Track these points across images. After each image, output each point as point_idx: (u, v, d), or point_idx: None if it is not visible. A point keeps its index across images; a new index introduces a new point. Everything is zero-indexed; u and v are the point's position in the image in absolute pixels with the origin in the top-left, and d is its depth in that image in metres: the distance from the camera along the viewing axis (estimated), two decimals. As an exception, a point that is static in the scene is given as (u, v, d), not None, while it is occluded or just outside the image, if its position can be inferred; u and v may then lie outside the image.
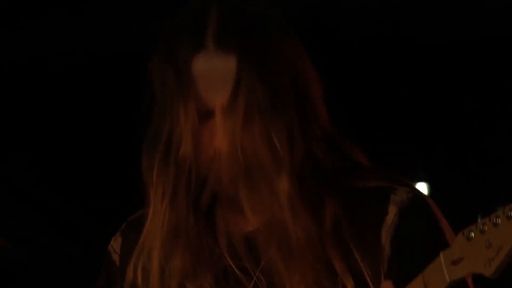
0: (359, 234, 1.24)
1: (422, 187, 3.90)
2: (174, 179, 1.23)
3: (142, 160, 1.28)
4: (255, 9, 1.29)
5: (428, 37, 3.10)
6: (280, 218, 1.21)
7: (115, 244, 1.42)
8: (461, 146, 3.53)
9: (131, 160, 1.31)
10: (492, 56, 3.17)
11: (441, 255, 1.06)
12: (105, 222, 1.54)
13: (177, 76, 1.23)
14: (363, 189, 1.29)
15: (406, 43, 3.07)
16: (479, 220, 1.07)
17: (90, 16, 2.96)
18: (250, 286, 1.22)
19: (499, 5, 2.90)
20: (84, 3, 2.96)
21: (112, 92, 3.13)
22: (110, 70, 3.01)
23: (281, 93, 1.22)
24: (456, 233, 1.10)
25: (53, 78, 3.12)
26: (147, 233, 1.27)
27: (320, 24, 2.20)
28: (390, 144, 3.21)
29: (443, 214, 1.32)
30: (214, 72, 1.23)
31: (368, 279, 1.21)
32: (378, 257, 1.23)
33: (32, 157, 3.36)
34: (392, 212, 1.26)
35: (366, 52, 2.89)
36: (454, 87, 3.33)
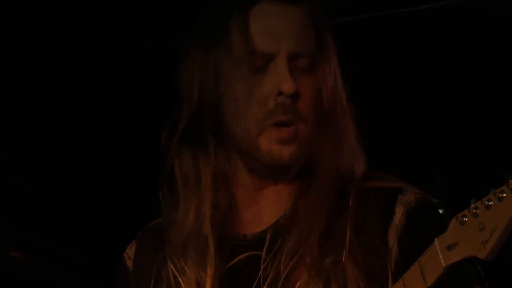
0: (366, 234, 1.25)
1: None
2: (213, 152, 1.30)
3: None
4: None
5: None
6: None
7: (130, 251, 1.44)
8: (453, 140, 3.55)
9: (145, 179, 1.33)
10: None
11: (436, 241, 1.06)
12: (120, 234, 1.58)
13: (233, 29, 1.27)
14: (372, 189, 1.30)
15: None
16: (472, 204, 1.07)
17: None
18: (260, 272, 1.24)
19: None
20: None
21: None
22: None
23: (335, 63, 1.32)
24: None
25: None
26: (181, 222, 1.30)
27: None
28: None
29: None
30: (277, 19, 1.29)
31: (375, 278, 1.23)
32: (385, 256, 1.24)
33: (51, 171, 3.45)
34: (399, 212, 1.27)
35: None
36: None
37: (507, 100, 3.29)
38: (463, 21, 2.95)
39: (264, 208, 1.33)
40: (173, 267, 1.28)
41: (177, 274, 1.27)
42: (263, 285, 1.23)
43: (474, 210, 1.04)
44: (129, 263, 1.43)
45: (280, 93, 1.24)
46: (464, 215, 1.06)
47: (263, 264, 1.25)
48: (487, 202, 1.02)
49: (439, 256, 1.04)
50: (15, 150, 3.32)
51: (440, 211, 1.42)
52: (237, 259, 1.27)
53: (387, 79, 3.21)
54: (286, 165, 1.29)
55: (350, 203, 1.28)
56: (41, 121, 3.27)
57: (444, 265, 1.04)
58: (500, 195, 1.00)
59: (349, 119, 1.32)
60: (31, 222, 3.63)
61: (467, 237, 1.04)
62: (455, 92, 3.40)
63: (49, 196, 3.50)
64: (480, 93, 3.36)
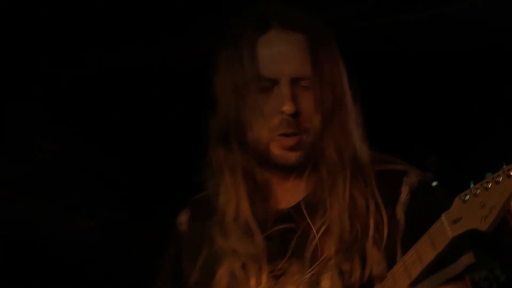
0: (379, 209, 1.47)
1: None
2: (238, 156, 1.52)
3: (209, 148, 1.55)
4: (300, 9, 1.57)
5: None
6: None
7: (182, 218, 1.67)
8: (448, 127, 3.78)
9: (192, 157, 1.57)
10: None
11: (443, 216, 1.28)
12: (172, 205, 1.83)
13: (248, 54, 1.49)
14: (381, 171, 1.52)
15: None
16: (471, 186, 1.29)
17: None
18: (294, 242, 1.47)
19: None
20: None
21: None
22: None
23: (338, 76, 1.52)
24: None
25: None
26: (222, 207, 1.53)
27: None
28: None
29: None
30: (280, 48, 1.50)
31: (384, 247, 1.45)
32: (394, 227, 1.46)
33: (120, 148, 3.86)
34: (404, 191, 1.49)
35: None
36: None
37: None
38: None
39: (288, 191, 1.56)
40: (219, 238, 1.51)
41: (223, 244, 1.50)
42: (295, 253, 1.45)
43: (474, 191, 1.25)
44: (181, 229, 1.66)
45: (282, 112, 1.47)
46: (466, 195, 1.27)
47: (296, 235, 1.47)
48: (486, 185, 1.23)
49: (447, 229, 1.26)
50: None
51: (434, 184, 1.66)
52: (273, 229, 1.49)
53: (383, 69, 3.47)
54: (294, 166, 1.51)
55: (365, 184, 1.50)
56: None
57: (450, 236, 1.25)
58: (497, 179, 1.21)
59: (353, 113, 1.53)
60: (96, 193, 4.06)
61: (469, 213, 1.25)
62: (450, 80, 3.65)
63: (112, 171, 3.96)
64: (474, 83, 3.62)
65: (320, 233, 1.46)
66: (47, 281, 4.21)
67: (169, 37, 3.00)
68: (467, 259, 1.39)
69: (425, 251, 1.28)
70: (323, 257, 1.44)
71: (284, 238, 1.51)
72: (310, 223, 1.48)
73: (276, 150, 1.50)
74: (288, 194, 1.56)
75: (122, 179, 4.05)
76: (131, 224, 4.16)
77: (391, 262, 1.43)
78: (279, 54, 1.49)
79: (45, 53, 3.37)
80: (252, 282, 1.49)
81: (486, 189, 1.24)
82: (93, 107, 3.76)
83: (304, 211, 1.50)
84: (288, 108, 1.46)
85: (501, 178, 1.22)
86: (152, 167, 3.82)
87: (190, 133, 1.67)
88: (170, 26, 3.12)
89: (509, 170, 1.22)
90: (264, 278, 1.49)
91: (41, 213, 4.10)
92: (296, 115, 1.48)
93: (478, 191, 1.25)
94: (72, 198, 4.07)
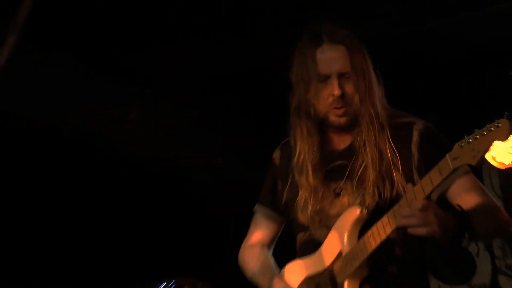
0: (399, 148, 2.25)
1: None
2: (307, 121, 2.35)
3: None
4: (340, 27, 2.35)
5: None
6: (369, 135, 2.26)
7: (276, 155, 2.57)
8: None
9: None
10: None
11: (447, 155, 1.97)
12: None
13: (311, 58, 2.29)
14: (398, 123, 2.31)
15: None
16: (465, 138, 1.97)
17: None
18: (346, 174, 2.28)
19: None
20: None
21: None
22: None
23: (365, 73, 2.29)
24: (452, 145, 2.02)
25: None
26: (299, 152, 2.37)
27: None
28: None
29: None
30: (333, 55, 2.29)
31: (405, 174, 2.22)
32: (410, 159, 2.24)
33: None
34: (415, 135, 2.27)
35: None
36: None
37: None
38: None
39: (341, 141, 2.38)
40: (295, 173, 2.37)
41: (297, 178, 2.35)
42: (348, 178, 2.26)
43: (468, 140, 1.94)
44: (276, 162, 2.55)
45: (333, 97, 2.29)
46: (462, 142, 1.96)
47: (347, 167, 2.28)
48: (476, 136, 1.92)
49: (449, 163, 1.95)
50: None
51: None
52: (334, 163, 2.33)
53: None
54: (343, 126, 2.34)
55: (387, 134, 2.27)
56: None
57: (452, 167, 1.94)
58: (483, 132, 1.90)
59: (377, 91, 2.33)
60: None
61: (464, 153, 1.93)
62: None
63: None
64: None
65: (362, 166, 2.23)
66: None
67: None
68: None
69: (435, 177, 1.98)
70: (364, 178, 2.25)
71: (341, 169, 2.31)
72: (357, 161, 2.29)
73: (332, 117, 2.32)
74: (341, 143, 2.38)
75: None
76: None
77: (412, 183, 2.18)
78: (330, 59, 2.29)
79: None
80: (316, 200, 2.31)
81: (476, 139, 1.92)
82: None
83: (352, 151, 2.31)
84: (336, 92, 2.28)
85: (485, 132, 1.92)
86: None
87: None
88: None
89: (490, 127, 1.90)
90: (324, 198, 2.31)
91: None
92: (342, 96, 2.28)
93: (470, 140, 1.93)
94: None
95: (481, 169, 4.61)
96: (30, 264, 4.36)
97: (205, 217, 5.12)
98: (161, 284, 3.46)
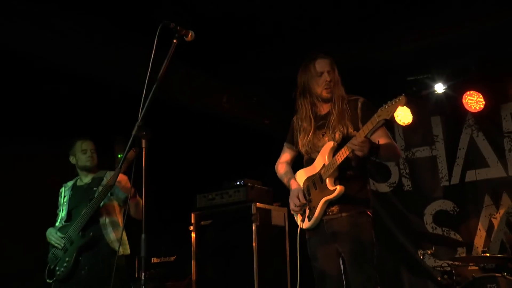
0: (352, 112, 4.11)
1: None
2: (306, 98, 4.21)
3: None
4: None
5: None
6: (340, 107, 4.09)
7: (294, 118, 4.46)
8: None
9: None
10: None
11: (375, 114, 3.75)
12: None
13: (310, 68, 4.18)
14: (350, 99, 4.18)
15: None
16: (383, 105, 3.75)
17: None
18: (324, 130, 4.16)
19: None
20: None
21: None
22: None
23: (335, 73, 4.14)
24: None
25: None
26: (303, 114, 4.24)
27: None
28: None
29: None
30: (323, 62, 4.16)
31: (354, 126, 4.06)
32: (357, 117, 4.09)
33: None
34: (359, 105, 4.14)
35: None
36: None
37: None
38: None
39: (325, 108, 4.22)
40: (300, 128, 4.23)
41: (301, 130, 4.23)
42: (327, 127, 4.12)
43: (385, 106, 3.70)
44: (294, 121, 4.42)
45: (326, 82, 4.13)
46: (382, 107, 3.72)
47: (327, 120, 4.14)
48: (389, 104, 3.68)
49: (376, 118, 3.74)
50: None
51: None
52: (320, 122, 4.18)
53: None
54: (328, 99, 4.19)
55: (346, 103, 4.12)
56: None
57: (377, 120, 3.72)
58: (393, 102, 3.67)
59: (340, 81, 4.18)
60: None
61: (383, 113, 3.69)
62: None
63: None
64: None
65: (334, 121, 4.06)
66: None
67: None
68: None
69: (369, 125, 3.76)
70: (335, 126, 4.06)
71: (323, 123, 4.13)
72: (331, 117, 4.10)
73: (323, 93, 4.14)
74: (325, 109, 4.17)
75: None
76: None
77: (358, 129, 3.96)
78: (322, 64, 4.12)
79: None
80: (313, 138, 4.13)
81: (389, 105, 3.66)
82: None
83: (329, 114, 4.11)
84: (327, 80, 4.12)
85: (394, 102, 3.67)
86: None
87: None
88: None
89: (396, 99, 3.64)
90: (315, 137, 4.13)
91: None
92: (330, 82, 4.11)
93: (386, 106, 3.68)
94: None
95: (393, 126, 7.09)
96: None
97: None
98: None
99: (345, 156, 3.91)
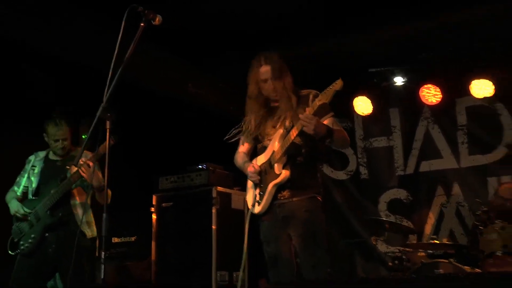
0: (303, 105, 4.20)
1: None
2: (258, 100, 4.34)
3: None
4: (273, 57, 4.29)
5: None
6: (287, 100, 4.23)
7: (245, 119, 4.57)
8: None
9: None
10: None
11: (316, 99, 3.96)
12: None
13: (256, 75, 4.32)
14: (303, 95, 4.32)
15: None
16: (324, 91, 3.93)
17: None
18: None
19: None
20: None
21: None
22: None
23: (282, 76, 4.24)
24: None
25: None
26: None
27: None
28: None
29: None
30: (266, 69, 4.29)
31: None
32: (308, 105, 4.13)
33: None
34: (311, 97, 4.26)
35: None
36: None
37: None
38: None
39: (274, 103, 4.38)
40: (254, 120, 4.36)
41: (255, 122, 4.38)
42: (279, 120, 4.31)
43: (326, 91, 3.91)
44: (248, 111, 4.51)
45: (270, 89, 4.30)
46: (322, 92, 3.92)
47: (279, 114, 4.31)
48: (328, 89, 3.88)
49: (317, 101, 3.96)
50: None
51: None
52: (270, 115, 4.38)
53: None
54: (275, 100, 4.34)
55: (295, 99, 4.25)
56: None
57: (318, 104, 3.92)
58: (331, 86, 3.87)
59: (289, 80, 4.32)
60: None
61: (323, 97, 3.89)
62: None
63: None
64: None
65: (284, 110, 4.23)
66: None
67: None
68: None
69: (314, 105, 3.97)
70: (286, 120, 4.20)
71: (274, 114, 4.34)
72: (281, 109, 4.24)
73: (270, 96, 4.38)
74: (276, 102, 4.30)
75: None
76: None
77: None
78: (264, 72, 4.29)
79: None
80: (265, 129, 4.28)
81: (328, 90, 3.85)
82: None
83: (279, 106, 4.24)
84: (271, 88, 4.30)
85: (331, 86, 3.85)
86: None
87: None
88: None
89: (333, 83, 3.82)
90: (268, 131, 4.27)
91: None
92: (273, 89, 4.29)
93: (326, 91, 3.86)
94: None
95: (353, 116, 8.19)
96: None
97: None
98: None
99: (296, 134, 4.10)
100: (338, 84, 3.85)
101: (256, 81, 4.33)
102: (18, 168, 5.42)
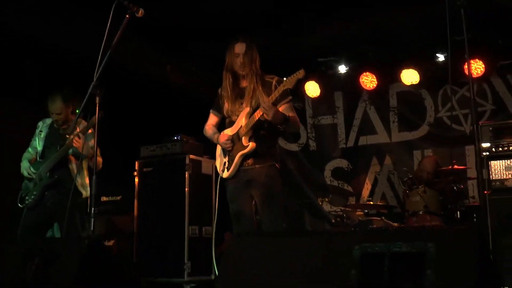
0: (267, 88, 4.34)
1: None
2: (231, 76, 4.40)
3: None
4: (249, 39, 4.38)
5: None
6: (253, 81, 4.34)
7: (219, 90, 4.54)
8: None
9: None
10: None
11: (281, 85, 4.16)
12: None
13: (232, 49, 4.36)
14: (266, 79, 4.40)
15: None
16: (285, 78, 4.13)
17: None
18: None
19: None
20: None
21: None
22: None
23: (252, 55, 4.34)
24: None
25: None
26: (226, 85, 4.45)
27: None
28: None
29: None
30: (241, 45, 4.33)
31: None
32: (271, 91, 4.28)
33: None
34: (273, 82, 4.36)
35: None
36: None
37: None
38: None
39: (243, 83, 4.43)
40: (224, 97, 4.45)
41: (225, 98, 4.46)
42: (245, 100, 4.38)
43: (288, 78, 4.09)
44: (219, 92, 4.54)
45: (240, 62, 4.28)
46: (287, 78, 4.11)
47: (245, 94, 4.39)
48: (291, 77, 4.07)
49: (281, 87, 4.13)
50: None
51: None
52: (238, 93, 4.42)
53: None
54: (244, 75, 4.33)
55: (260, 80, 4.36)
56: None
57: (282, 89, 4.11)
58: (295, 74, 4.06)
59: (257, 62, 4.36)
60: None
61: (287, 83, 4.09)
62: None
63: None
64: None
65: (251, 90, 4.33)
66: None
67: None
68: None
69: (276, 92, 4.15)
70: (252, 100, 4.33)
71: (242, 93, 4.38)
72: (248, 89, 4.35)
73: (238, 70, 4.35)
74: (244, 83, 4.39)
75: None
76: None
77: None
78: (240, 47, 4.31)
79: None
80: (233, 105, 4.40)
81: (292, 78, 4.06)
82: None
83: (247, 86, 4.36)
84: (241, 61, 4.30)
85: (295, 74, 4.06)
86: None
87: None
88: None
89: (297, 72, 4.01)
90: (237, 108, 4.37)
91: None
92: (243, 63, 4.30)
93: (289, 78, 4.07)
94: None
95: (304, 98, 8.11)
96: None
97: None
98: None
99: (259, 116, 4.21)
100: (301, 73, 3.97)
101: (231, 55, 4.34)
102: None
